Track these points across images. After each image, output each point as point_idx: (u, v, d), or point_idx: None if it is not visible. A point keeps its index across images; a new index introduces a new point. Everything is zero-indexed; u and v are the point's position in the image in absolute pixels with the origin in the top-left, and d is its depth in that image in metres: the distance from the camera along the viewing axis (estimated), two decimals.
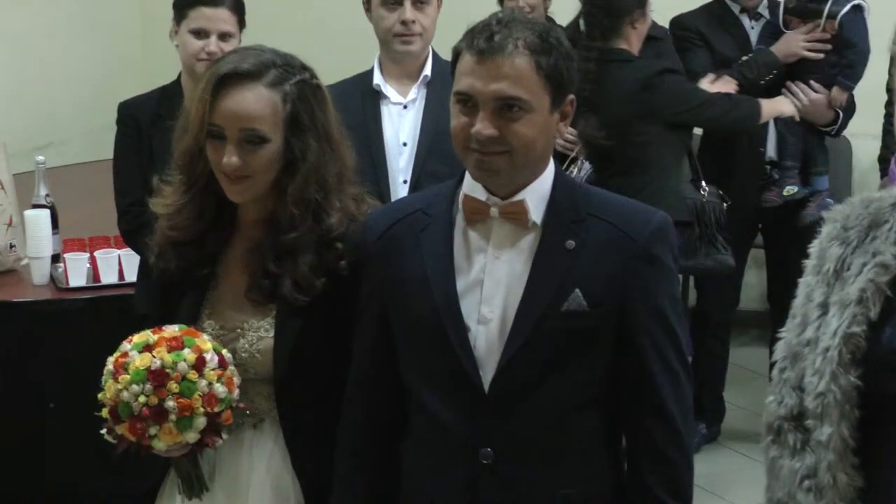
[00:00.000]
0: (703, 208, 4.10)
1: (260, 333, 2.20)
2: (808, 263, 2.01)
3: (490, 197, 1.99)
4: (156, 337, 2.10)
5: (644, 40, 4.15)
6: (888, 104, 4.02)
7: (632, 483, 2.04)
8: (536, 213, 1.99)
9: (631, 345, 1.99)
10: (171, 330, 2.13)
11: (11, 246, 4.14)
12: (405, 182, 3.31)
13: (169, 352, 2.07)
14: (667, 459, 2.01)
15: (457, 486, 2.01)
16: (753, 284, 5.33)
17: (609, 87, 3.89)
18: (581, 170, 3.79)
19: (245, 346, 2.20)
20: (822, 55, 4.28)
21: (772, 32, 4.45)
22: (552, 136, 2.03)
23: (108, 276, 3.90)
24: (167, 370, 2.05)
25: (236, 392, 2.13)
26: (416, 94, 3.36)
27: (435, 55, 3.37)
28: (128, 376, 2.05)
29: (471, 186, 2.02)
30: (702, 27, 4.47)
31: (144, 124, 3.32)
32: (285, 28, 4.80)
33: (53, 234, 4.08)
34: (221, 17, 3.30)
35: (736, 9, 4.48)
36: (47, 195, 4.15)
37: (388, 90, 3.37)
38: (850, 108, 4.39)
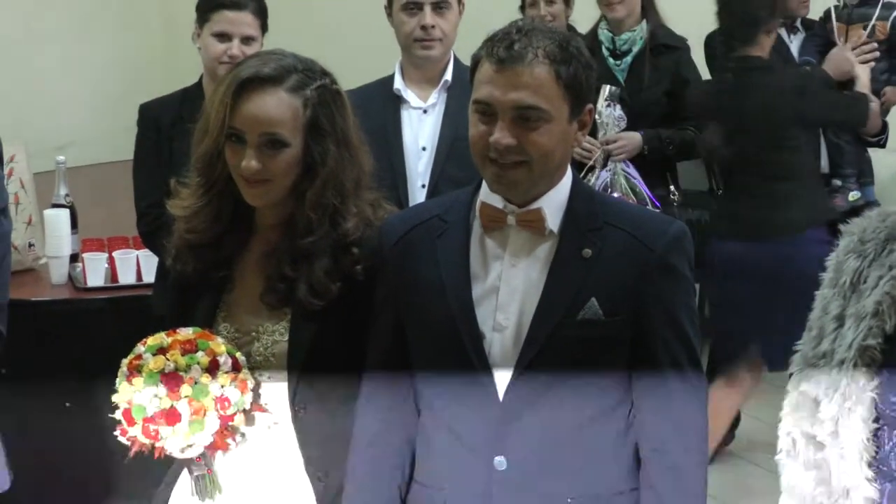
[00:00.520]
0: None
1: (275, 337, 2.20)
2: (825, 276, 2.02)
3: (507, 205, 2.00)
4: (170, 339, 2.11)
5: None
6: None
7: (645, 492, 2.03)
8: (553, 221, 1.99)
9: (646, 353, 1.98)
10: (186, 332, 2.14)
11: (31, 245, 4.19)
12: (423, 186, 3.31)
13: (183, 355, 2.08)
14: (680, 468, 2.00)
15: (470, 493, 2.01)
16: None
17: (754, 95, 3.93)
18: (598, 178, 3.79)
19: (259, 350, 2.20)
20: (873, 63, 4.24)
21: (819, 46, 4.41)
22: (570, 146, 2.03)
23: (127, 277, 3.94)
24: (180, 373, 2.06)
25: (249, 395, 2.13)
26: (437, 98, 3.37)
27: (456, 60, 3.38)
28: (141, 379, 2.06)
29: (488, 194, 2.02)
30: None
31: (165, 126, 3.33)
32: (307, 32, 4.81)
33: (72, 233, 4.12)
34: (244, 21, 3.31)
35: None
36: (67, 195, 4.19)
37: (409, 94, 3.38)
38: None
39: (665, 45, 4.25)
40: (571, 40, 1.99)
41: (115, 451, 2.18)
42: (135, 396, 2.06)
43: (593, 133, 3.89)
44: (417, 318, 2.06)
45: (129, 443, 2.13)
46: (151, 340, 2.12)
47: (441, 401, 2.05)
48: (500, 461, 1.98)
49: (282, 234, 2.20)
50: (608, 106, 3.88)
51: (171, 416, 2.06)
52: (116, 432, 2.13)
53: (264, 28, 3.38)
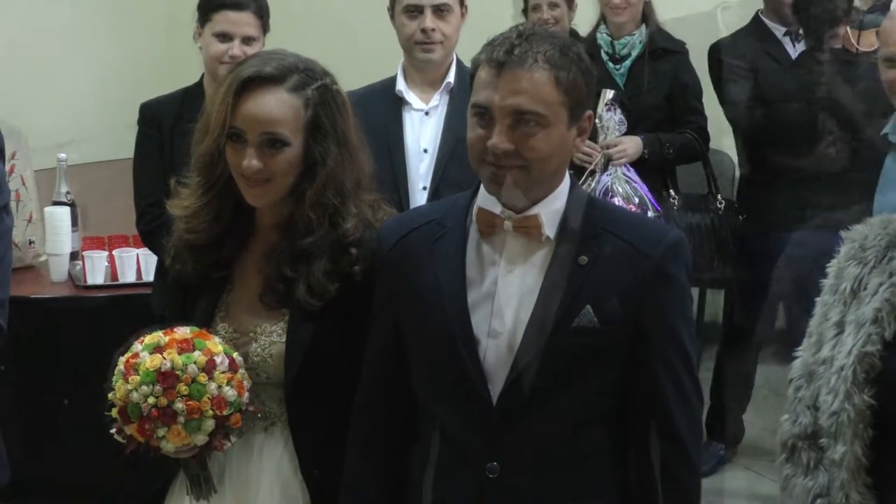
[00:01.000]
0: (719, 223, 4.16)
1: (272, 338, 2.20)
2: (826, 283, 2.03)
3: (504, 210, 1.99)
4: (167, 338, 2.11)
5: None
6: None
7: (638, 500, 2.03)
8: (550, 227, 1.99)
9: (642, 362, 1.98)
10: (183, 331, 2.13)
11: (31, 242, 4.21)
12: (424, 189, 3.33)
13: (179, 354, 2.08)
14: (674, 477, 2.00)
15: (464, 498, 2.01)
16: None
17: (848, 86, 3.98)
18: (599, 182, 3.80)
19: (257, 350, 2.20)
20: None
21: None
22: (569, 152, 2.02)
23: (127, 275, 3.96)
24: (177, 372, 2.06)
25: (246, 395, 2.13)
26: (438, 101, 3.39)
27: (459, 63, 3.39)
28: (138, 377, 2.05)
29: (485, 199, 2.01)
30: (745, 54, 4.39)
31: (166, 125, 3.34)
32: (309, 33, 4.81)
33: (73, 231, 4.13)
34: (245, 21, 3.34)
35: (779, 32, 4.34)
36: (68, 192, 4.21)
37: (411, 97, 3.39)
38: None
39: (664, 49, 4.26)
40: (572, 46, 1.98)
41: (112, 449, 2.17)
42: (131, 394, 2.06)
43: (593, 137, 3.90)
44: (414, 322, 2.06)
45: (124, 441, 2.13)
46: (149, 339, 2.11)
47: (436, 404, 2.05)
48: (492, 467, 1.98)
49: (281, 234, 2.20)
50: (608, 110, 3.89)
51: (167, 416, 2.06)
52: (113, 430, 2.13)
53: (265, 28, 3.40)
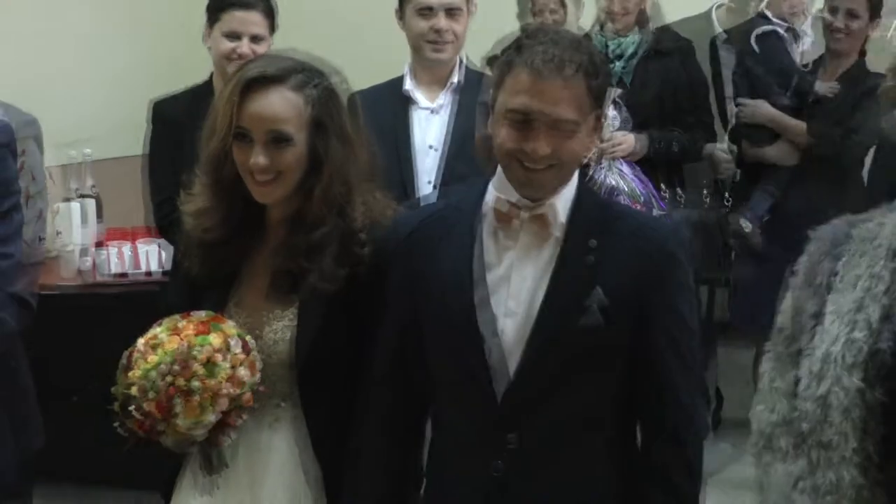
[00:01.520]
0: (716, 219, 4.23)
1: (284, 322, 2.24)
2: (795, 280, 2.06)
3: (520, 200, 2.04)
4: (184, 321, 2.16)
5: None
6: None
7: (644, 465, 2.08)
8: (562, 214, 2.05)
9: (647, 338, 2.03)
10: (199, 315, 2.18)
11: (40, 239, 4.23)
12: (430, 183, 3.40)
13: (196, 335, 2.13)
14: (679, 442, 2.05)
15: (483, 471, 2.05)
16: None
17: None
18: (594, 174, 3.85)
19: (269, 334, 2.24)
20: None
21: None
22: (588, 148, 2.11)
23: (149, 265, 4.03)
24: (194, 352, 2.10)
25: (258, 376, 2.17)
26: (444, 99, 3.45)
27: (463, 63, 3.46)
28: (156, 357, 2.10)
29: (501, 189, 2.06)
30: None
31: (177, 123, 3.36)
32: (318, 34, 4.69)
33: (98, 223, 4.20)
34: (253, 21, 3.40)
35: (781, 27, 4.37)
36: (93, 186, 4.27)
37: (418, 95, 3.46)
38: None
39: (663, 50, 4.23)
40: (595, 51, 2.05)
41: (123, 439, 2.20)
42: (150, 373, 2.10)
43: None
44: (433, 303, 2.09)
45: (126, 435, 2.16)
46: (167, 322, 2.17)
47: (453, 382, 2.09)
48: (511, 438, 2.02)
49: (290, 229, 2.24)
50: (613, 108, 3.90)
51: (184, 394, 2.09)
52: (116, 424, 2.17)
53: (273, 28, 3.45)
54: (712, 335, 4.84)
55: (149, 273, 4.04)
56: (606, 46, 4.24)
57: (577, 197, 2.06)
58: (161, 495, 2.41)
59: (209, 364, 2.11)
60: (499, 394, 2.02)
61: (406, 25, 3.46)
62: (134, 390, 2.13)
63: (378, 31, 4.07)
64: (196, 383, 2.10)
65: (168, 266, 3.76)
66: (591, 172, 3.78)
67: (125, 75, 5.13)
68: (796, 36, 4.24)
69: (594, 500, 2.07)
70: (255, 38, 3.40)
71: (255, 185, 2.21)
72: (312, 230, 2.22)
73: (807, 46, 4.25)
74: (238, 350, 2.15)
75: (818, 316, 2.00)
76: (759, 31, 4.32)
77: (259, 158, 2.17)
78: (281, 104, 2.18)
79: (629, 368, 2.04)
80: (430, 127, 3.46)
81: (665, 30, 4.35)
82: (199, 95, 3.39)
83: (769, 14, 4.35)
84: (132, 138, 4.25)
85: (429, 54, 3.42)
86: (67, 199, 4.32)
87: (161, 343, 2.13)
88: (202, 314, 2.20)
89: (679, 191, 4.24)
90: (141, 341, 2.17)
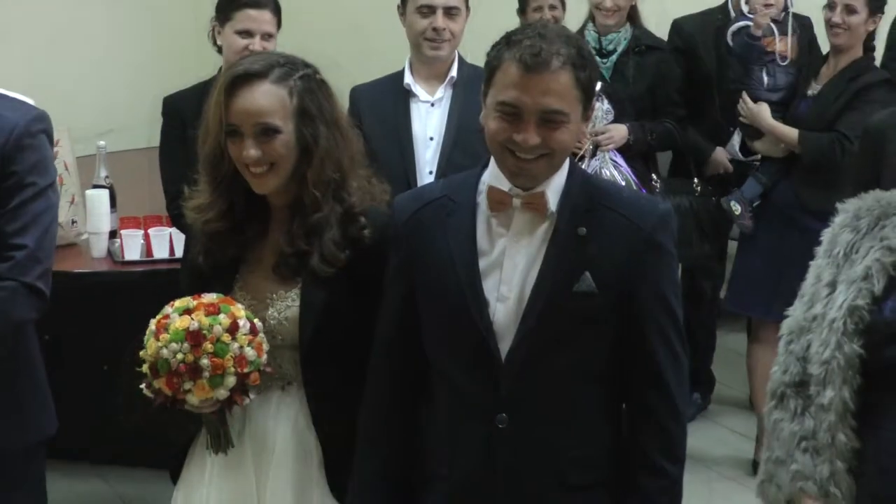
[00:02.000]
0: (698, 204, 4.31)
1: (287, 303, 2.31)
2: (820, 249, 2.16)
3: (513, 188, 2.09)
4: (195, 302, 2.23)
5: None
6: None
7: (631, 447, 2.14)
8: (553, 202, 2.10)
9: (635, 324, 2.09)
10: (209, 297, 2.25)
11: (73, 222, 4.36)
12: (431, 173, 3.49)
13: (206, 316, 2.20)
14: (663, 426, 2.11)
15: (474, 446, 2.12)
16: None
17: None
18: (589, 167, 3.93)
19: (273, 315, 2.31)
20: None
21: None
22: (577, 139, 2.20)
23: (160, 252, 4.11)
24: (203, 332, 2.17)
25: (265, 357, 2.24)
26: (443, 93, 3.55)
27: (460, 59, 3.56)
28: (168, 335, 2.18)
29: (495, 178, 2.12)
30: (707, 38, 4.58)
31: (188, 117, 3.37)
32: (322, 31, 4.92)
33: (112, 212, 4.27)
34: (264, 19, 3.48)
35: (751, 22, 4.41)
36: (107, 176, 4.36)
37: (418, 89, 3.55)
38: None
39: (648, 47, 4.37)
40: (584, 45, 2.08)
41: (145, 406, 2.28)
42: (161, 351, 2.17)
43: None
44: (429, 289, 2.15)
45: (153, 395, 2.24)
46: (179, 303, 2.24)
47: (449, 363, 2.15)
48: (501, 418, 2.08)
49: (292, 214, 2.32)
50: (597, 100, 4.03)
51: (194, 371, 2.17)
52: (142, 385, 2.24)
53: (279, 25, 3.53)
54: (712, 321, 4.98)
55: (159, 261, 4.11)
56: (600, 42, 4.35)
57: (567, 185, 2.12)
58: (170, 475, 2.50)
59: (218, 343, 2.18)
60: (503, 355, 2.08)
61: (406, 22, 3.55)
62: (145, 368, 2.21)
63: (379, 28, 4.13)
64: (205, 361, 2.17)
65: (178, 253, 3.84)
66: (585, 165, 3.88)
67: (137, 73, 5.20)
68: (774, 30, 4.25)
69: (591, 447, 2.14)
70: (265, 36, 3.47)
71: (252, 177, 2.28)
72: (311, 214, 2.28)
73: (791, 41, 4.27)
74: (246, 331, 2.22)
75: (833, 284, 2.10)
76: (734, 27, 4.36)
77: (251, 151, 2.24)
78: (265, 98, 2.25)
79: (616, 351, 2.11)
80: (429, 119, 3.54)
81: (643, 31, 4.45)
82: (209, 90, 3.37)
83: (744, 9, 4.40)
84: (147, 132, 4.34)
85: (427, 51, 3.50)
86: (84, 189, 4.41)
87: (172, 323, 2.20)
88: (213, 296, 2.27)
89: (654, 176, 4.35)
90: (153, 321, 2.24)
